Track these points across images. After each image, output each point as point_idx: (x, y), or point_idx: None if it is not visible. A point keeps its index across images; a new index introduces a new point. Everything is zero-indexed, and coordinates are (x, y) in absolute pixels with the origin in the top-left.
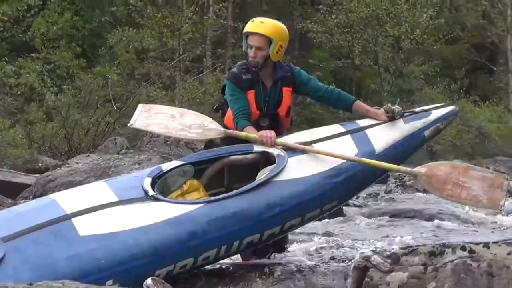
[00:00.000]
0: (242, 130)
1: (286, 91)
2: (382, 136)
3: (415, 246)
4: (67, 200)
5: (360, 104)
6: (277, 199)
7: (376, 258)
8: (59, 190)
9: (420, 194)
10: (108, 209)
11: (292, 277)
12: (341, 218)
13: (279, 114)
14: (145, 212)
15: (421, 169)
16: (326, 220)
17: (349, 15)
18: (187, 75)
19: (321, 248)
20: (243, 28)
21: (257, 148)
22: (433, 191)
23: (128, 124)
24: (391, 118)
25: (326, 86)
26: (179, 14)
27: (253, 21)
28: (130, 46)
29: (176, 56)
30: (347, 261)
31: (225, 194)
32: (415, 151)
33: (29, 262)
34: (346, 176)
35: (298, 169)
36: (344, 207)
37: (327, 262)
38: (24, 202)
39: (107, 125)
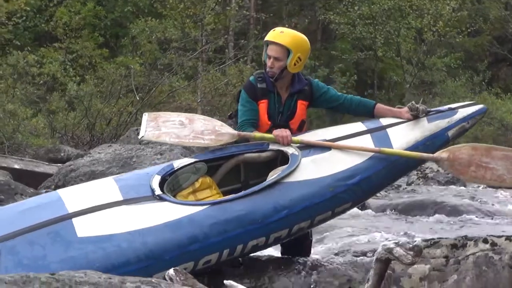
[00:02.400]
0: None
1: (301, 105)
2: (403, 135)
3: (437, 238)
4: (71, 197)
5: (381, 106)
6: (286, 202)
7: (399, 251)
8: (81, 180)
9: (442, 186)
10: (111, 209)
11: (314, 270)
12: (363, 210)
13: (291, 127)
14: (146, 214)
15: (442, 154)
16: (348, 212)
17: (372, 6)
18: (209, 66)
19: (342, 241)
20: (265, 19)
21: (272, 146)
22: (456, 174)
23: (139, 137)
24: (415, 116)
25: (344, 95)
26: (202, 5)
27: (274, 30)
28: (153, 36)
29: (199, 46)
30: (369, 253)
31: (231, 196)
32: (438, 150)
33: (22, 264)
34: (361, 178)
35: (311, 170)
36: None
37: (349, 255)
38: (46, 191)
39: (130, 115)
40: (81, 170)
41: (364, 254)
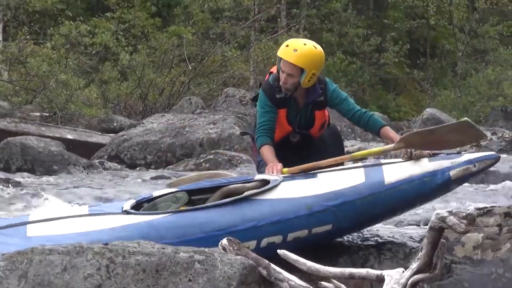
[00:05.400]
0: (259, 148)
1: (318, 114)
2: (398, 169)
3: (491, 207)
4: (38, 214)
5: (387, 130)
6: (255, 214)
7: (452, 219)
8: (134, 150)
9: None
10: (71, 218)
11: (368, 242)
12: None
13: (311, 134)
14: (104, 222)
15: (400, 144)
16: None
17: None
18: (261, 35)
19: None
20: None
21: (258, 176)
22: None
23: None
24: (408, 159)
25: (358, 109)
26: None
27: (287, 45)
28: (205, 6)
29: (251, 15)
30: (422, 223)
31: (197, 206)
32: (439, 191)
33: None
34: (343, 201)
35: (289, 190)
36: None
37: (402, 224)
38: (98, 161)
39: (182, 85)
40: (134, 140)
41: (417, 223)
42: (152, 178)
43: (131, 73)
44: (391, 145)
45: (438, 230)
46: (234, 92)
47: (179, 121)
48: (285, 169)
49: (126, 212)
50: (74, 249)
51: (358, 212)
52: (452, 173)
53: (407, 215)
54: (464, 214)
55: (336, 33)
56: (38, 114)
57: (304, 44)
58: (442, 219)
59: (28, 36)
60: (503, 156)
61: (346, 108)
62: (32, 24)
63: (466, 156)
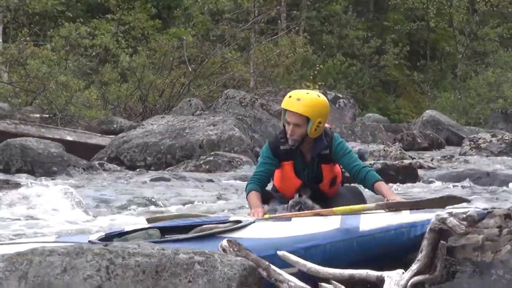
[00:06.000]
0: (248, 194)
1: (326, 168)
2: (376, 219)
3: (491, 208)
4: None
5: (380, 186)
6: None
7: (452, 220)
8: (134, 151)
9: (495, 157)
10: (33, 243)
11: None
12: (416, 181)
13: (321, 189)
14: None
15: (382, 206)
16: (398, 183)
17: None
18: (261, 37)
19: None
20: None
21: (233, 217)
22: None
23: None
24: (389, 210)
25: (358, 163)
26: None
27: (290, 96)
28: (205, 7)
29: (251, 17)
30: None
31: (167, 238)
32: (418, 243)
33: None
34: (312, 244)
35: (259, 231)
36: (418, 170)
37: None
38: (98, 163)
39: (182, 87)
40: (134, 142)
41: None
42: (152, 180)
43: (131, 75)
44: (372, 204)
45: (438, 232)
46: (234, 93)
47: (179, 123)
48: (267, 215)
49: (92, 243)
50: (74, 250)
51: (327, 257)
52: None
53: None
54: (464, 215)
55: (336, 35)
56: (38, 115)
57: (307, 93)
58: (442, 220)
59: (28, 38)
60: (504, 158)
61: (347, 162)
62: (32, 25)
63: (448, 210)
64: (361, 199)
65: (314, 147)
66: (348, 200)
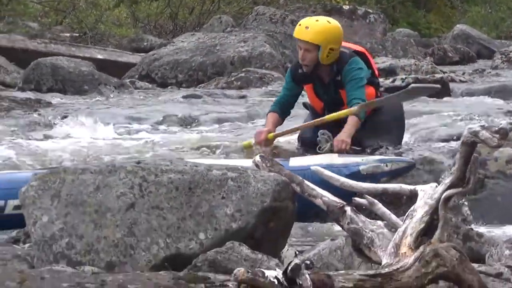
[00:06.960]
0: (267, 114)
1: (344, 93)
2: (304, 159)
3: None
4: None
5: (349, 119)
6: None
7: (484, 133)
8: (165, 69)
9: None
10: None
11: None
12: (448, 97)
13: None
14: None
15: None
16: (434, 98)
17: None
18: None
19: (427, 126)
20: None
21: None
22: None
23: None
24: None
25: (351, 94)
26: None
27: (299, 24)
28: None
29: None
30: (455, 138)
31: None
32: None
33: None
34: None
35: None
36: (450, 84)
37: (434, 140)
38: (129, 81)
39: (212, 3)
40: (164, 59)
41: (450, 138)
42: (184, 97)
43: None
44: (355, 108)
45: (471, 145)
46: (265, 10)
47: (209, 40)
48: (271, 134)
49: None
50: (106, 168)
51: None
52: (361, 168)
53: (439, 129)
54: (496, 128)
55: None
56: (68, 34)
57: (316, 21)
58: (475, 133)
59: None
60: None
61: (347, 89)
62: None
63: (379, 157)
64: (399, 122)
65: (329, 73)
66: (387, 125)
